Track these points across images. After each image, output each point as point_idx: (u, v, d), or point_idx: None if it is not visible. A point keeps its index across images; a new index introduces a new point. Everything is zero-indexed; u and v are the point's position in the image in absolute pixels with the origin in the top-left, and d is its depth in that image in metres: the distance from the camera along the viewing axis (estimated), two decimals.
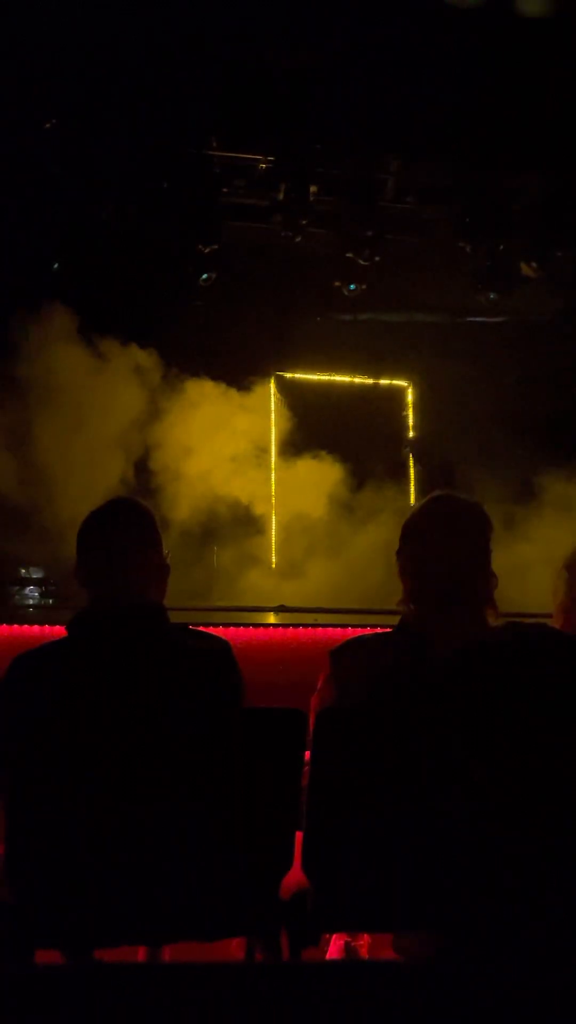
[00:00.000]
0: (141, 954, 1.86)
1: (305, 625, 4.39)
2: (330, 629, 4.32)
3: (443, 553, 1.81)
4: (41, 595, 6.94)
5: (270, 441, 8.07)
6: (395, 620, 1.97)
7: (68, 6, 5.06)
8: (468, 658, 1.76)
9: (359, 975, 1.47)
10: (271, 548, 8.00)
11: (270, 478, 8.09)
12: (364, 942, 2.12)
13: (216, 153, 6.43)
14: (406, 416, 8.45)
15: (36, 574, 7.15)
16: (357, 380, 8.28)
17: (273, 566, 7.92)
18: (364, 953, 2.10)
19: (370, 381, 8.31)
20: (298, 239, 6.77)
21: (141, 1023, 1.27)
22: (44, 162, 6.21)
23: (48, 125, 5.96)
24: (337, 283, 7.36)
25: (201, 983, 1.33)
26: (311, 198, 6.64)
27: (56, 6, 5.04)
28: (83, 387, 6.82)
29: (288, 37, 5.27)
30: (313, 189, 6.63)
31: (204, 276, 7.09)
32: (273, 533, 8.03)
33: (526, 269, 7.21)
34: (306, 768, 1.69)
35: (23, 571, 7.25)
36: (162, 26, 5.18)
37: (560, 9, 5.10)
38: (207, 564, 7.51)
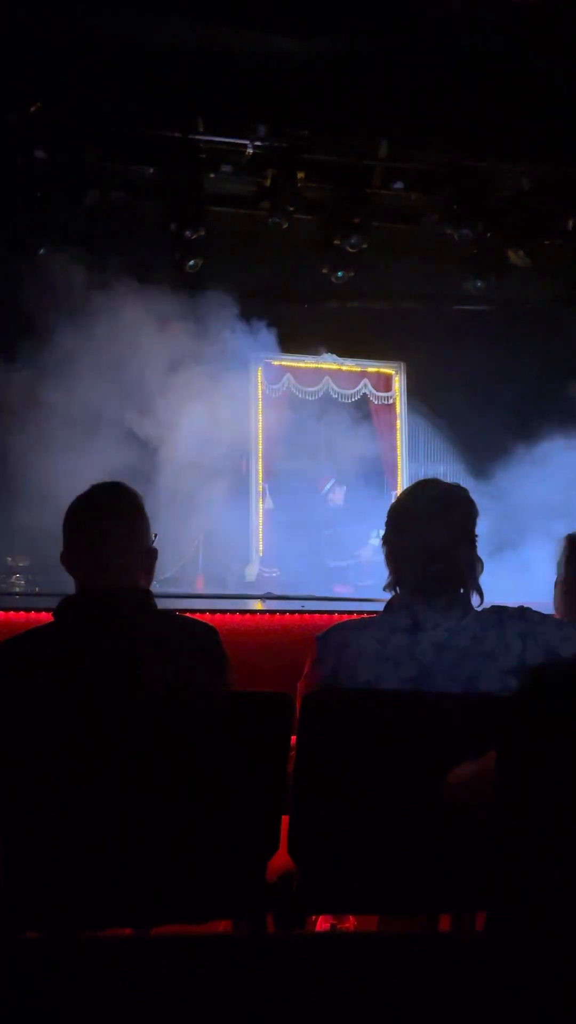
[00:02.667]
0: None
1: (292, 612, 4.39)
2: (317, 616, 4.33)
3: (428, 537, 1.82)
4: (27, 583, 6.93)
5: (257, 429, 8.07)
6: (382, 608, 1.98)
7: None
8: (455, 642, 1.78)
9: (346, 947, 1.48)
10: (259, 537, 8.01)
11: (258, 467, 8.09)
12: (350, 924, 2.14)
13: (202, 138, 6.38)
14: (393, 403, 8.46)
15: (22, 562, 7.13)
16: (344, 367, 8.28)
17: (260, 554, 7.93)
18: None
19: (357, 368, 8.31)
20: (285, 226, 6.75)
21: (129, 995, 1.28)
22: (29, 146, 6.16)
23: (33, 109, 5.91)
24: (325, 270, 7.34)
25: (189, 955, 1.34)
26: (298, 184, 6.61)
27: None
28: (68, 376, 6.78)
29: (277, 21, 5.23)
30: (300, 175, 6.60)
31: (192, 263, 7.05)
32: (260, 522, 8.03)
33: (513, 257, 7.22)
34: (292, 752, 1.70)
35: (8, 559, 7.23)
36: (149, 8, 5.14)
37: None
38: (192, 554, 7.52)
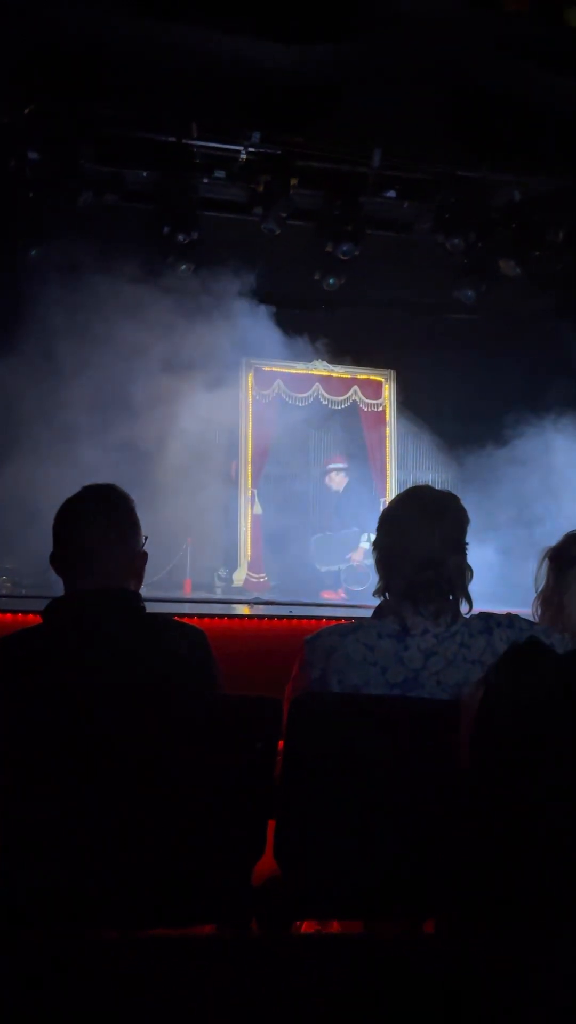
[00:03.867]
0: None
1: (280, 617, 4.40)
2: (304, 621, 4.34)
3: (418, 544, 1.82)
4: (13, 584, 6.90)
5: (247, 435, 8.08)
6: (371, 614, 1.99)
7: None
8: (443, 648, 1.79)
9: (329, 949, 1.48)
10: (247, 542, 8.00)
11: (247, 472, 8.08)
12: (334, 930, 2.14)
13: (196, 143, 6.40)
14: (383, 410, 8.48)
15: (9, 564, 7.11)
16: (335, 374, 8.30)
17: (248, 559, 7.93)
18: None
19: (348, 375, 8.33)
20: (278, 232, 6.77)
21: (116, 996, 1.27)
22: (23, 148, 6.15)
23: (27, 110, 5.90)
24: (317, 276, 7.37)
25: (176, 958, 1.33)
26: (291, 191, 6.63)
27: None
28: (56, 379, 6.77)
29: (272, 28, 5.25)
30: (293, 182, 6.63)
31: (183, 267, 7.06)
32: (248, 527, 8.03)
33: (504, 267, 7.26)
34: (280, 757, 1.70)
35: None
36: (145, 13, 5.15)
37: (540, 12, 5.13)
38: (180, 559, 7.52)
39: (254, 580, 7.81)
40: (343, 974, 1.38)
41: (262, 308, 7.38)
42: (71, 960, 1.37)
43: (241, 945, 1.55)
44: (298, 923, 2.05)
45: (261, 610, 5.21)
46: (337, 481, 8.07)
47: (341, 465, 8.07)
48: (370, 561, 1.92)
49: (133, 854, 1.61)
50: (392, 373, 8.46)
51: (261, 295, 7.44)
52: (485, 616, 1.86)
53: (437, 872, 1.71)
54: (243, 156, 6.46)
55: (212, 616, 4.34)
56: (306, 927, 2.10)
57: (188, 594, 7.35)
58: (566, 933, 1.21)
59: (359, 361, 8.35)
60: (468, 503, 1.94)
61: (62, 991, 1.29)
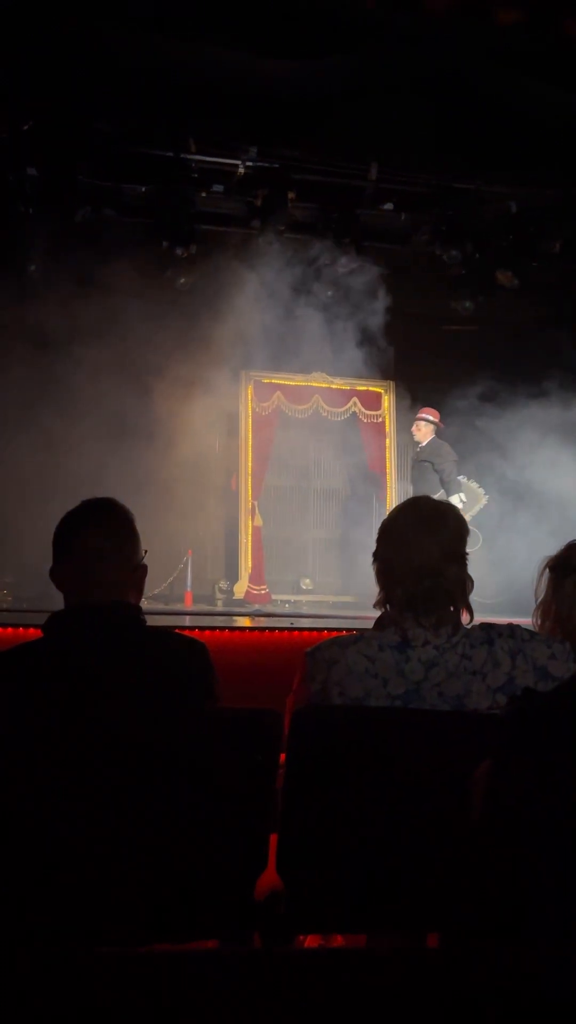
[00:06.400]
0: None
1: (281, 629, 4.40)
2: (306, 632, 4.34)
3: (418, 555, 1.82)
4: (14, 599, 6.89)
5: (247, 447, 8.08)
6: (371, 625, 1.99)
7: (44, 6, 5.05)
8: (444, 659, 1.79)
9: (332, 963, 1.47)
10: (248, 554, 8.00)
11: (247, 484, 8.09)
12: (337, 944, 2.12)
13: (194, 157, 6.44)
14: (383, 421, 8.49)
15: (8, 577, 7.10)
16: (334, 385, 8.31)
17: (249, 570, 7.92)
18: None
19: (347, 386, 8.35)
20: (276, 245, 6.80)
21: (117, 1013, 1.26)
22: (21, 164, 6.19)
23: (26, 127, 5.94)
24: (315, 289, 7.40)
25: (178, 973, 1.32)
26: (289, 204, 6.67)
27: (32, 5, 5.03)
28: (56, 393, 6.78)
29: (268, 43, 5.29)
30: (291, 195, 6.66)
31: (182, 280, 7.09)
32: (249, 539, 8.03)
33: (502, 278, 7.29)
34: (281, 770, 1.69)
35: None
36: (142, 29, 5.19)
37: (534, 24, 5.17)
38: (180, 571, 7.51)
39: (255, 592, 7.80)
40: (346, 988, 1.37)
41: (261, 320, 7.40)
42: (71, 976, 1.36)
43: (244, 960, 1.53)
44: (301, 937, 2.04)
45: (262, 622, 5.20)
46: (423, 432, 7.50)
47: (430, 417, 7.61)
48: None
49: (134, 868, 1.60)
50: (391, 384, 8.47)
51: (259, 307, 7.46)
52: (486, 627, 1.85)
53: (441, 885, 1.70)
54: (241, 170, 6.51)
55: (213, 629, 4.34)
56: (309, 941, 2.09)
57: (189, 607, 7.34)
58: (570, 948, 1.20)
59: (358, 372, 8.37)
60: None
61: (62, 1008, 1.28)
